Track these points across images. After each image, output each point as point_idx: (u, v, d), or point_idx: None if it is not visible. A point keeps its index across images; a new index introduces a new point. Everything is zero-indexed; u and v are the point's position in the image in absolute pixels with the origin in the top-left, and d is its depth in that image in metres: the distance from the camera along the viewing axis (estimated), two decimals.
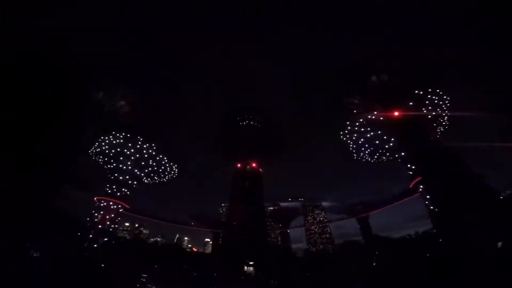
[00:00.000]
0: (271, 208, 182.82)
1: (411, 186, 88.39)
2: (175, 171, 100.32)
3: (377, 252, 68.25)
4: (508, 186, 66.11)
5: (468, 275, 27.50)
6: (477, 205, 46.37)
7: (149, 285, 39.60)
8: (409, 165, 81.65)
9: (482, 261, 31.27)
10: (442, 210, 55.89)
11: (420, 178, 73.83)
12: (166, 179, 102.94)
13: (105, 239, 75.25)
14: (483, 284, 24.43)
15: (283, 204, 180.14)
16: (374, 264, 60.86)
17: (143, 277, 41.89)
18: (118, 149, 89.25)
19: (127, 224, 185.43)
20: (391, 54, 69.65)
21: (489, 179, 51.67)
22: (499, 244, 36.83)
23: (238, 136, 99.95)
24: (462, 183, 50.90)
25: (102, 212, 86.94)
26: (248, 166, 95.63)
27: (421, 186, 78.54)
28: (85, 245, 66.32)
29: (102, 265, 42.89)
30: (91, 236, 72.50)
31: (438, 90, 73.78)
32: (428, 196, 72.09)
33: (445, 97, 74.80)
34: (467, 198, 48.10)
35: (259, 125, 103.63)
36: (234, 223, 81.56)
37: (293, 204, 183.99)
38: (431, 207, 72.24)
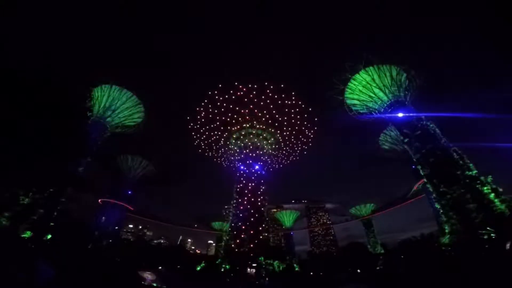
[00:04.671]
0: (275, 210, 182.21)
1: (415, 188, 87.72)
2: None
3: (381, 257, 67.61)
4: None
5: (475, 276, 27.10)
6: (482, 206, 45.77)
7: (154, 286, 39.71)
8: (413, 167, 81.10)
9: (489, 262, 30.79)
10: (447, 212, 55.16)
11: (425, 180, 73.16)
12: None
13: (110, 241, 75.73)
14: (491, 285, 24.03)
15: (286, 206, 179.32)
16: (378, 268, 60.26)
17: (147, 278, 42.04)
18: (123, 151, 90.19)
19: (131, 226, 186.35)
20: (393, 54, 69.32)
21: (495, 180, 50.83)
22: (507, 245, 36.23)
23: (243, 139, 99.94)
24: (468, 184, 50.27)
25: (106, 214, 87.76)
26: (252, 169, 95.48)
27: (426, 188, 77.92)
28: (89, 246, 66.82)
29: (106, 265, 43.12)
30: (95, 237, 72.98)
31: (441, 91, 73.23)
32: (433, 198, 71.40)
33: (448, 98, 74.18)
34: (472, 199, 47.51)
35: (262, 126, 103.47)
36: (237, 225, 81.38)
37: (296, 206, 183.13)
38: (436, 209, 71.54)
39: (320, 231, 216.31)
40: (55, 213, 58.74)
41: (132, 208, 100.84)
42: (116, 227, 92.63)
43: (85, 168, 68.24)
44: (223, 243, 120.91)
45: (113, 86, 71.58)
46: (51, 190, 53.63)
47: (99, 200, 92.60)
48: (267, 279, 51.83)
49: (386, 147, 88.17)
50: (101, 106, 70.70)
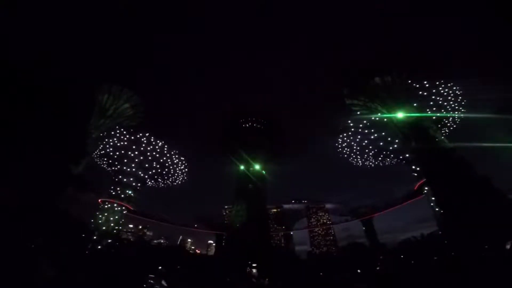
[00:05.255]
0: (275, 210, 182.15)
1: (415, 188, 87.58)
2: (183, 172, 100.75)
3: (381, 257, 67.56)
4: None
5: (475, 277, 27.03)
6: (483, 206, 45.73)
7: (157, 287, 39.64)
8: (413, 167, 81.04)
9: (489, 263, 30.72)
10: (447, 212, 55.16)
11: (424, 180, 73.10)
12: (172, 182, 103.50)
13: (109, 241, 75.59)
14: (491, 285, 23.98)
15: (286, 206, 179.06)
16: (377, 268, 60.24)
17: (150, 278, 41.94)
18: (123, 151, 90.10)
19: (131, 226, 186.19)
20: (395, 53, 69.25)
21: (496, 180, 50.82)
22: (508, 245, 36.18)
23: (241, 138, 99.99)
24: (468, 184, 50.23)
25: (106, 214, 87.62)
26: (251, 168, 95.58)
27: (426, 188, 77.83)
28: (89, 247, 66.74)
29: (106, 266, 43.04)
30: (95, 238, 72.88)
31: (442, 91, 73.30)
32: (433, 198, 71.33)
33: (449, 97, 74.29)
34: (473, 199, 47.46)
35: (262, 127, 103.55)
36: (237, 225, 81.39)
37: (296, 206, 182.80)
38: (437, 209, 71.48)
39: (320, 231, 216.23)
40: (55, 213, 58.73)
41: (132, 208, 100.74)
42: (116, 228, 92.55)
43: (86, 167, 68.23)
44: (223, 244, 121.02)
45: (114, 86, 71.54)
46: (51, 189, 53.70)
47: (99, 200, 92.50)
48: (267, 279, 51.77)
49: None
50: (102, 106, 70.67)
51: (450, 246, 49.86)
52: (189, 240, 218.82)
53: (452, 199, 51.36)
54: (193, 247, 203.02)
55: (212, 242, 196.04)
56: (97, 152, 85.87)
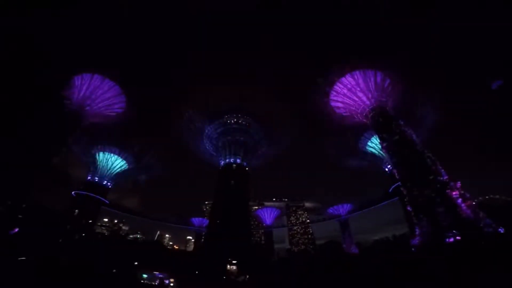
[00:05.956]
0: (256, 207, 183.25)
1: (390, 190, 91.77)
2: None
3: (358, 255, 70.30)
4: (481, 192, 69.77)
5: (440, 277, 28.94)
6: (450, 209, 48.93)
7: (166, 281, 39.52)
8: (389, 170, 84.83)
9: (452, 264, 32.93)
10: (418, 214, 58.16)
11: (399, 183, 76.63)
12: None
13: (83, 235, 72.36)
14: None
15: (267, 203, 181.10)
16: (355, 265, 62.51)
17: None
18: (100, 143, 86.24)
19: (106, 219, 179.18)
20: (374, 54, 71.57)
21: (466, 185, 53.95)
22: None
23: (226, 134, 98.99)
24: (438, 189, 53.37)
25: (80, 207, 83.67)
26: (234, 165, 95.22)
27: (400, 191, 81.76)
28: (60, 240, 63.31)
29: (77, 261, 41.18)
30: (68, 230, 69.42)
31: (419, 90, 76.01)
32: (406, 200, 75.05)
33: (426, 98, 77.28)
34: (442, 203, 50.59)
35: (248, 124, 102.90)
36: (218, 222, 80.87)
37: (277, 204, 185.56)
38: (408, 211, 75.40)
39: (299, 230, 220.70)
40: (24, 205, 54.99)
41: (107, 202, 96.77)
42: (90, 221, 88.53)
43: (60, 158, 64.46)
44: (202, 240, 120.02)
45: (95, 75, 68.10)
46: (19, 180, 50.08)
47: (73, 193, 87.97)
48: (247, 276, 52.19)
49: (370, 151, 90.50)
50: (81, 95, 66.97)
51: (416, 247, 52.65)
52: (167, 235, 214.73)
53: (423, 202, 54.47)
54: (171, 243, 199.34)
55: (191, 238, 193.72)
56: (76, 142, 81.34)
